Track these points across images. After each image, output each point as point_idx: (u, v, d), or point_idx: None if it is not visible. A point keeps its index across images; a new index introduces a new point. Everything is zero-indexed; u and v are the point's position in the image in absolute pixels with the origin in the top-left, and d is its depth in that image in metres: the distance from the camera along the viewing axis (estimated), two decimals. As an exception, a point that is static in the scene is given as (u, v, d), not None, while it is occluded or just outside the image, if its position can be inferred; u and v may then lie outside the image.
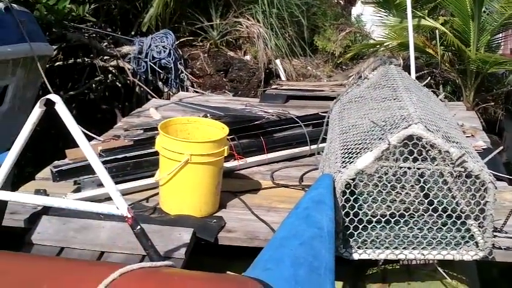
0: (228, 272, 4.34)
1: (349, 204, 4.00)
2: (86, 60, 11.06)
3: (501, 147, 6.79)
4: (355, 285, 4.66)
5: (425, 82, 6.48)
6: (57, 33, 10.42)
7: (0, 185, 3.35)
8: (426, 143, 3.88)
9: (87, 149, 3.32)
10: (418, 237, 4.14)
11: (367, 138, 4.28)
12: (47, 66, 9.29)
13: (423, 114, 4.18)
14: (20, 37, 7.48)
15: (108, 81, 11.27)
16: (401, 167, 4.01)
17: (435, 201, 4.04)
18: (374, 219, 4.09)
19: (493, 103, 10.37)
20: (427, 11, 10.07)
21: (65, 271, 2.89)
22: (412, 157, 3.94)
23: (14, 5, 7.77)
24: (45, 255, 4.22)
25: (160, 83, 10.97)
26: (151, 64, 10.81)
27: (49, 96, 3.29)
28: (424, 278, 4.59)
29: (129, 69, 10.99)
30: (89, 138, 6.06)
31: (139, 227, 3.30)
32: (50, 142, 9.40)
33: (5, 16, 7.45)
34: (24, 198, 3.81)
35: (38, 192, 4.99)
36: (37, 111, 3.32)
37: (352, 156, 4.12)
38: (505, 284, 5.49)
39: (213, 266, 3.88)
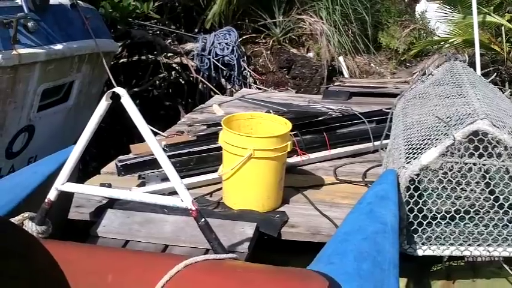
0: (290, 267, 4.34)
1: (413, 200, 3.97)
2: (150, 57, 11.17)
3: None
4: (419, 281, 4.62)
5: (490, 79, 6.40)
6: (122, 30, 10.57)
7: (68, 177, 3.40)
8: (492, 139, 3.83)
9: (152, 141, 3.35)
10: (483, 234, 4.10)
11: (431, 134, 4.25)
12: (112, 63, 9.41)
13: (489, 110, 4.13)
14: (86, 33, 7.60)
15: (172, 78, 11.37)
16: (466, 163, 3.97)
17: (501, 197, 3.99)
18: (438, 216, 4.05)
19: (560, 100, 10.18)
20: (492, 7, 9.93)
21: (130, 262, 2.93)
22: (478, 153, 3.90)
23: (80, 2, 7.90)
24: (110, 246, 4.28)
25: (223, 80, 11.02)
26: (215, 61, 10.87)
27: (115, 89, 3.33)
28: (489, 275, 4.53)
29: (192, 66, 11.07)
30: (153, 134, 6.12)
31: (203, 219, 3.31)
32: (114, 138, 9.53)
33: (70, 12, 7.58)
34: (91, 190, 3.86)
35: (103, 186, 5.05)
36: (103, 104, 3.35)
37: (416, 152, 4.10)
38: None
39: (276, 260, 3.87)
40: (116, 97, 3.33)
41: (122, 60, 11.04)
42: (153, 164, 4.98)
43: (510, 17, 9.84)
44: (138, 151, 5.67)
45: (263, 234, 4.67)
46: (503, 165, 4.07)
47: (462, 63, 5.87)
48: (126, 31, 10.73)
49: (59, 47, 7.05)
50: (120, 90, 3.31)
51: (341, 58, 11.50)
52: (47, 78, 6.98)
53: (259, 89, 10.73)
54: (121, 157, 5.75)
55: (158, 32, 11.51)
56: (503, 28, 9.71)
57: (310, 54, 11.81)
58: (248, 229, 4.58)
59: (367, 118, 6.70)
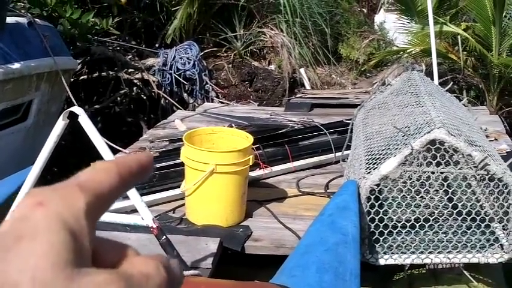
0: (255, 281, 4.36)
1: (374, 209, 4.00)
2: (111, 73, 11.14)
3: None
4: (382, 291, 4.66)
5: (448, 87, 6.47)
6: (81, 47, 10.52)
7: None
8: (449, 147, 3.88)
9: (110, 159, 3.35)
10: (443, 241, 4.13)
11: (390, 144, 4.29)
12: (72, 80, 9.38)
13: (445, 119, 4.18)
14: (44, 52, 7.57)
15: (133, 93, 11.34)
16: (424, 172, 4.02)
17: (459, 204, 4.04)
18: (399, 224, 4.09)
19: (516, 107, 10.33)
20: (449, 17, 10.12)
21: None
22: (435, 161, 3.94)
23: (37, 20, 7.87)
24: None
25: (185, 95, 11.01)
26: (176, 76, 10.86)
27: (72, 108, 3.33)
28: (450, 282, 4.57)
29: (154, 81, 11.05)
30: (115, 151, 6.11)
31: (164, 237, 3.32)
32: (75, 157, 9.48)
33: (28, 31, 7.55)
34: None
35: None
36: (60, 124, 3.36)
37: (376, 162, 4.13)
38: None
39: (240, 275, 3.89)
40: (73, 116, 3.34)
41: (82, 77, 11.00)
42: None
43: (466, 26, 9.99)
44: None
45: (227, 249, 4.67)
46: (461, 173, 4.13)
47: (419, 72, 5.94)
48: (86, 48, 10.69)
49: (16, 66, 7.01)
50: (77, 110, 3.32)
51: (302, 70, 11.55)
52: (4, 98, 6.93)
53: (222, 102, 10.73)
54: (83, 175, 5.71)
55: (118, 48, 11.49)
56: (459, 37, 9.86)
57: (272, 67, 11.85)
58: (212, 244, 4.58)
59: (329, 129, 6.74)
